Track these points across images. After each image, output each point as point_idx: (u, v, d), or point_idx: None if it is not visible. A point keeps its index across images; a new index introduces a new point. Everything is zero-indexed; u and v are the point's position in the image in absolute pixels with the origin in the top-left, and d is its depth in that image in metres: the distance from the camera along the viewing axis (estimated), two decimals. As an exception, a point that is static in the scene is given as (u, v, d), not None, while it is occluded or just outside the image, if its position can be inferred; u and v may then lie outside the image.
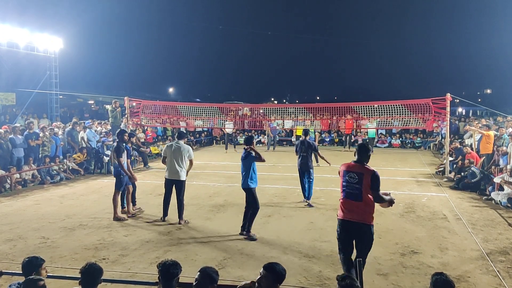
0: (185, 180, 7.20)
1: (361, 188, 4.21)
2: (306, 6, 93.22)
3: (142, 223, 7.20)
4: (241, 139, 22.82)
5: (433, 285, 2.87)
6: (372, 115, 15.44)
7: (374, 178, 4.21)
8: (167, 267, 2.94)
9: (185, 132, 8.26)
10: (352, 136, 19.87)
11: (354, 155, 4.44)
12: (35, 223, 7.13)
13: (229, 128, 18.70)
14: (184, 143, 7.45)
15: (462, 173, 10.74)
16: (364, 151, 4.39)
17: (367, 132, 19.24)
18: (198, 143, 21.63)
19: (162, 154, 7.45)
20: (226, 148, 18.59)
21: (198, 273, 2.98)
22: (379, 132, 21.18)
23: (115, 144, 7.68)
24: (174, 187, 7.16)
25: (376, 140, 19.91)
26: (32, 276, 3.07)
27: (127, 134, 7.88)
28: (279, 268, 2.94)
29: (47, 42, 17.57)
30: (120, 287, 4.54)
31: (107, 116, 16.20)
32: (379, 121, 16.64)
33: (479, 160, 11.20)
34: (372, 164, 4.45)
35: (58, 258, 5.51)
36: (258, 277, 2.92)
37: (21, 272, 3.37)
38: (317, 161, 14.00)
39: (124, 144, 7.54)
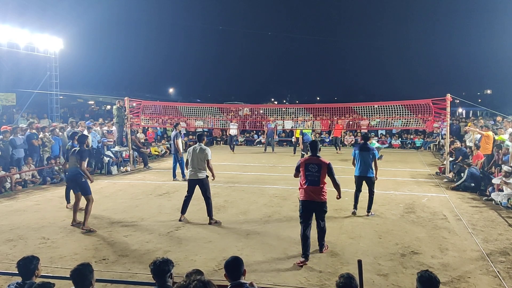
0: (206, 178, 7.26)
1: (320, 176, 5.44)
2: (306, 6, 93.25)
3: (142, 223, 7.20)
4: (241, 139, 22.83)
5: (418, 280, 2.93)
6: (372, 115, 15.34)
7: (330, 168, 5.50)
8: (157, 265, 3.05)
9: (203, 132, 8.27)
10: (347, 138, 20.02)
11: (312, 151, 5.67)
12: (35, 224, 7.14)
13: (233, 129, 18.71)
14: (204, 144, 7.52)
15: (462, 174, 10.71)
16: (316, 147, 5.69)
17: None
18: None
19: (186, 157, 7.54)
20: (232, 149, 18.68)
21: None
22: (379, 133, 21.17)
23: None
24: (198, 187, 7.28)
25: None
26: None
27: None
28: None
29: (47, 43, 17.57)
30: (120, 288, 4.56)
31: (112, 116, 16.13)
32: (378, 121, 16.59)
33: (480, 160, 11.19)
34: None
35: (58, 258, 5.51)
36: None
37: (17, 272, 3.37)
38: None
39: None
